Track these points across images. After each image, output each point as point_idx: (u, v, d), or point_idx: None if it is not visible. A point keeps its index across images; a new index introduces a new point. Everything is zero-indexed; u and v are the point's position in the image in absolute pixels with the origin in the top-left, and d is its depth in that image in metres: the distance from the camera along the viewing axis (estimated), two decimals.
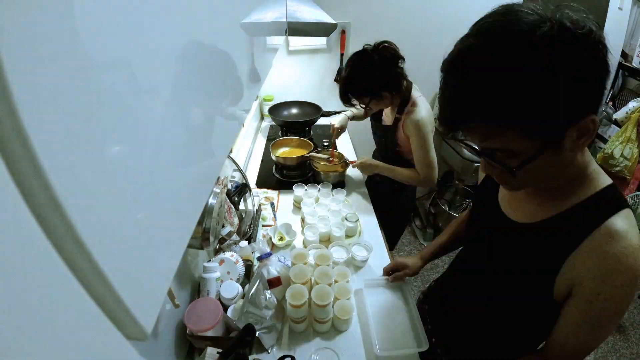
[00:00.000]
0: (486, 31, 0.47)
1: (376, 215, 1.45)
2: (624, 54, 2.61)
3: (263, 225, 1.33)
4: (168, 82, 0.31)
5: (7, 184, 0.16)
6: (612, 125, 2.55)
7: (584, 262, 0.55)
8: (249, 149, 1.86)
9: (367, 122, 2.10)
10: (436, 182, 1.36)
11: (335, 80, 2.31)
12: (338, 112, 2.07)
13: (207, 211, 0.78)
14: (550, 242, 0.60)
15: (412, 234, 2.71)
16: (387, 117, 1.46)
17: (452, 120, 0.52)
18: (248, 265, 1.07)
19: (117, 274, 0.22)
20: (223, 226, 1.03)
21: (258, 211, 1.34)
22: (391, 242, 1.63)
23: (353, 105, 1.36)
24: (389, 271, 1.09)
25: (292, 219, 1.34)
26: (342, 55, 2.24)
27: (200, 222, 0.76)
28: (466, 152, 2.21)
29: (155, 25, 0.28)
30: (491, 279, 0.74)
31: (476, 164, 2.20)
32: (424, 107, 1.29)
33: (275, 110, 2.06)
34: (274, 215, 1.38)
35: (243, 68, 0.64)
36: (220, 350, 0.74)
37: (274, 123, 2.15)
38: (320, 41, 2.19)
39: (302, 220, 1.35)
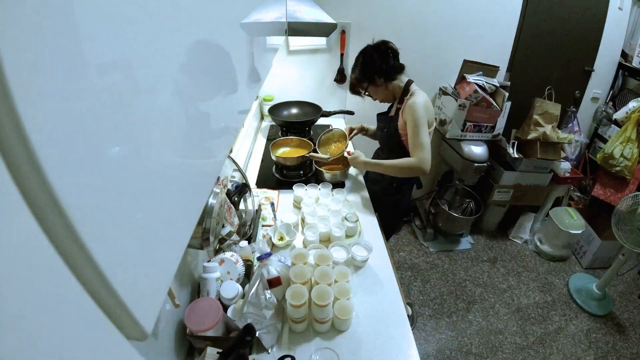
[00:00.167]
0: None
1: (377, 216, 1.45)
2: (624, 54, 2.61)
3: (263, 225, 1.33)
4: (168, 82, 0.31)
5: (7, 184, 0.16)
6: (612, 125, 2.55)
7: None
8: (249, 149, 1.86)
9: (368, 121, 2.09)
10: (429, 168, 1.38)
11: (336, 80, 2.31)
12: (338, 112, 2.07)
13: (207, 211, 0.78)
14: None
15: (412, 234, 2.71)
16: (392, 112, 1.60)
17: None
18: (248, 265, 1.07)
19: (117, 274, 0.22)
20: (223, 226, 1.03)
21: (258, 211, 1.34)
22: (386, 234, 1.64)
23: (360, 95, 1.57)
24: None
25: (292, 219, 1.34)
26: (342, 55, 2.24)
27: (200, 222, 0.76)
28: (466, 152, 2.21)
29: (156, 25, 0.28)
30: None
31: (476, 164, 2.20)
32: (421, 96, 1.43)
33: (275, 110, 2.06)
34: (274, 215, 1.38)
35: (243, 68, 0.64)
36: (220, 350, 0.74)
37: (274, 123, 2.15)
38: (320, 41, 2.19)
39: (302, 220, 1.35)
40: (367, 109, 2.43)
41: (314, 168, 1.65)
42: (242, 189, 1.22)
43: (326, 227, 1.28)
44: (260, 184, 1.60)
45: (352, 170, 1.68)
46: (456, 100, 2.13)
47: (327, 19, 1.34)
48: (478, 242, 2.67)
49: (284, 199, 1.52)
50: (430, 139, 1.41)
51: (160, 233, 0.30)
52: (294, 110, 2.16)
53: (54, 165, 0.17)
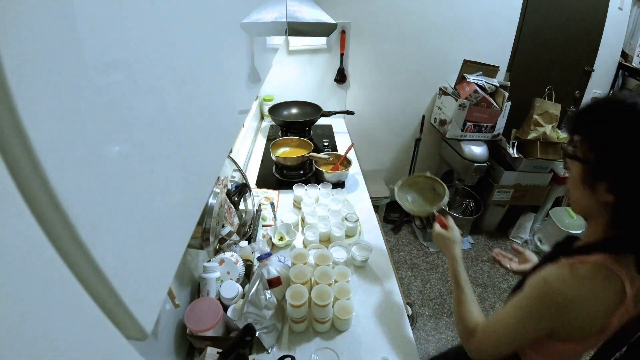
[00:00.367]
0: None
1: (377, 216, 1.45)
2: (624, 54, 2.61)
3: (263, 225, 1.33)
4: (168, 82, 0.31)
5: (7, 184, 0.16)
6: None
7: None
8: (249, 149, 1.86)
9: (368, 120, 2.09)
10: (472, 353, 0.80)
11: (336, 80, 2.31)
12: (338, 112, 2.07)
13: (207, 211, 0.78)
14: None
15: (412, 234, 2.71)
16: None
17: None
18: (248, 265, 1.07)
19: (117, 274, 0.22)
20: (223, 226, 1.03)
21: (258, 211, 1.34)
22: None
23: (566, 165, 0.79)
24: None
25: (292, 219, 1.34)
26: (342, 55, 2.24)
27: (200, 222, 0.76)
28: (466, 152, 2.21)
29: (156, 25, 0.28)
30: None
31: (476, 164, 2.20)
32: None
33: (275, 110, 2.06)
34: (274, 215, 1.38)
35: (243, 68, 0.64)
36: (220, 350, 0.74)
37: (274, 123, 2.15)
38: (320, 41, 2.19)
39: (302, 220, 1.35)
40: (368, 108, 2.44)
41: (314, 168, 1.65)
42: (242, 189, 1.22)
43: (326, 227, 1.28)
44: (260, 184, 1.60)
45: (352, 170, 1.68)
46: (456, 100, 2.13)
47: (327, 19, 1.35)
48: (478, 242, 2.67)
49: (284, 199, 1.52)
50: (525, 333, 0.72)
51: (160, 233, 0.30)
52: (294, 110, 2.16)
53: (54, 165, 0.17)
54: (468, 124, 2.18)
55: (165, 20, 0.30)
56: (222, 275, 0.99)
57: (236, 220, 1.15)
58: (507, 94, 2.13)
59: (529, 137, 2.26)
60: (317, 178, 1.63)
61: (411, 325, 1.02)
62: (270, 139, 2.00)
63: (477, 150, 2.21)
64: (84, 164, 0.20)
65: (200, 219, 0.76)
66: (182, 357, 0.86)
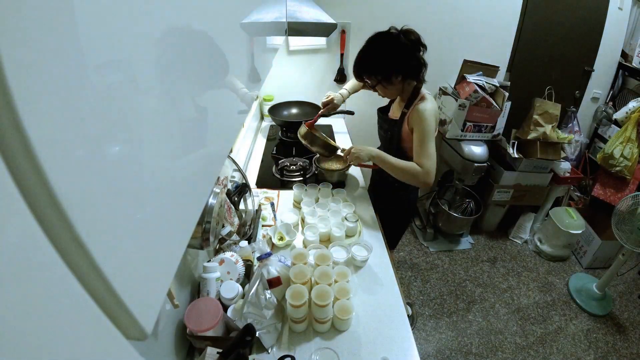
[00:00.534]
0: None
1: (377, 216, 1.45)
2: (624, 54, 2.61)
3: (263, 225, 1.33)
4: (168, 82, 0.31)
5: (7, 183, 0.16)
6: (612, 125, 2.55)
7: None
8: (249, 149, 1.86)
9: (368, 120, 2.10)
10: (433, 180, 1.24)
11: (336, 80, 2.31)
12: (338, 112, 2.07)
13: (207, 211, 0.78)
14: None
15: (412, 234, 2.71)
16: (394, 112, 1.45)
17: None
18: (248, 265, 1.07)
19: (117, 274, 0.22)
20: (223, 226, 1.03)
21: (258, 211, 1.34)
22: (391, 242, 1.63)
23: (364, 81, 1.32)
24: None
25: (292, 219, 1.34)
26: (342, 55, 2.24)
27: (200, 222, 0.76)
28: (466, 152, 2.21)
29: (156, 25, 0.28)
30: None
31: (476, 164, 2.20)
32: (431, 101, 1.29)
33: (275, 110, 2.06)
34: (274, 215, 1.38)
35: (243, 68, 0.64)
36: (220, 350, 0.74)
37: (274, 123, 2.15)
38: (320, 41, 2.19)
39: (302, 220, 1.35)
40: (368, 108, 2.44)
41: (314, 168, 1.65)
42: (242, 189, 1.22)
43: (326, 227, 1.28)
44: (260, 184, 1.60)
45: (352, 170, 1.68)
46: (456, 100, 2.13)
47: (327, 19, 1.35)
48: (478, 242, 2.67)
49: (284, 199, 1.52)
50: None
51: (160, 233, 0.30)
52: (294, 110, 2.16)
53: (54, 165, 0.17)
54: (468, 124, 2.18)
55: (166, 20, 0.30)
56: (222, 275, 0.99)
57: (236, 220, 1.15)
58: (507, 94, 2.13)
59: (529, 137, 2.26)
60: (317, 178, 1.63)
61: (411, 325, 1.02)
62: (270, 139, 2.00)
63: (477, 150, 2.21)
64: (84, 163, 0.20)
65: (200, 219, 0.76)
66: (182, 357, 0.86)
